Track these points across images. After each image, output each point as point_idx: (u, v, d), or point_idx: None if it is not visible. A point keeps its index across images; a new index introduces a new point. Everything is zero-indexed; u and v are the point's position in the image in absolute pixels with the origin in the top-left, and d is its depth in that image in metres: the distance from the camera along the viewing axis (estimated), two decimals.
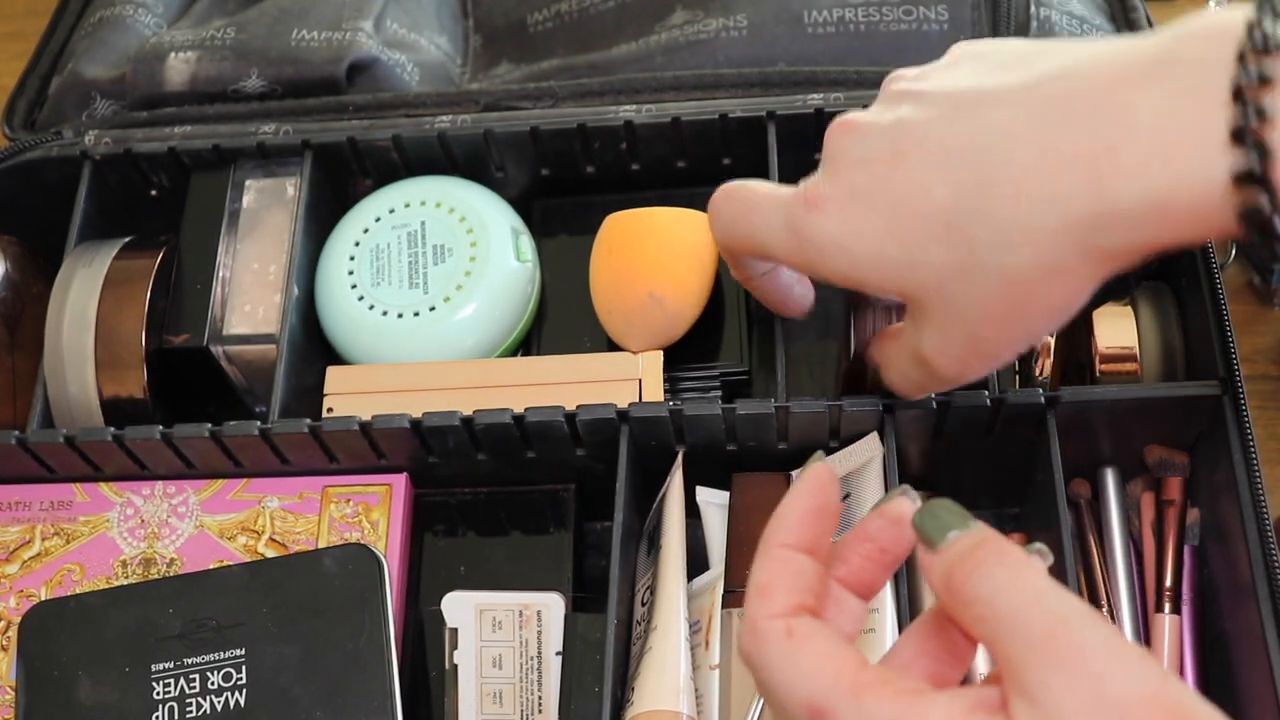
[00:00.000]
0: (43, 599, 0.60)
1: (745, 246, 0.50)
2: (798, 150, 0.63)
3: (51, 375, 0.62)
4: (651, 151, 0.68)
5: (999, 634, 0.29)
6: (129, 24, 0.76)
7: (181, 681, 0.55)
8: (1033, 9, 0.68)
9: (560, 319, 0.68)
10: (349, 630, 0.56)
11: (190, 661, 0.56)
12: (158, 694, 0.55)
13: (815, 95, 0.65)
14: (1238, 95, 0.31)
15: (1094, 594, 0.59)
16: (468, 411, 0.58)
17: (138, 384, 0.62)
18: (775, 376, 0.58)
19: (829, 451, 0.57)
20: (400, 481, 0.62)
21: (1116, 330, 0.60)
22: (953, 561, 0.31)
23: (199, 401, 0.65)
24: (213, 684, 0.55)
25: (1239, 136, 0.31)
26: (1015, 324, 0.40)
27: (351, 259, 0.66)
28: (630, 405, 0.58)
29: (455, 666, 0.59)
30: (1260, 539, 0.53)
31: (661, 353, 0.62)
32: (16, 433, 0.60)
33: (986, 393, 0.56)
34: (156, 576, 0.60)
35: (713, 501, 0.61)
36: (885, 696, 0.29)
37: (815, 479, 0.36)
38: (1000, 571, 0.30)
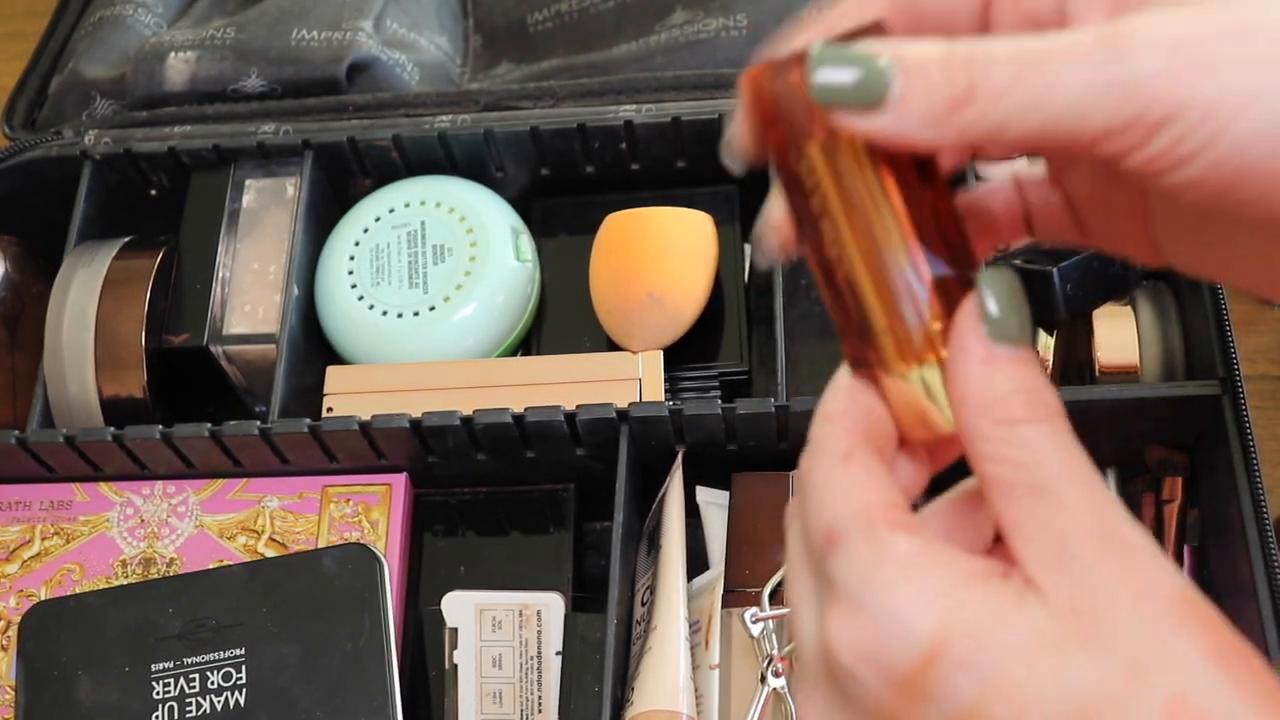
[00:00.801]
0: (42, 599, 0.60)
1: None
2: None
3: (51, 375, 0.62)
4: (651, 151, 0.68)
5: (1037, 503, 0.26)
6: (129, 24, 0.76)
7: (181, 681, 0.55)
8: None
9: (560, 319, 0.68)
10: (349, 630, 0.56)
11: (190, 661, 0.56)
12: (157, 694, 0.55)
13: None
14: None
15: None
16: (467, 411, 0.58)
17: (137, 384, 0.62)
18: (775, 376, 0.58)
19: None
20: (400, 481, 0.62)
21: (1116, 330, 0.60)
22: (993, 400, 0.27)
23: (199, 401, 0.65)
24: (212, 683, 0.55)
25: None
26: None
27: (351, 259, 0.66)
28: (630, 405, 0.58)
29: (455, 666, 0.59)
30: (1260, 539, 0.53)
31: (661, 353, 0.62)
32: (16, 432, 0.60)
33: None
34: (156, 576, 0.60)
35: (713, 501, 0.61)
36: (899, 543, 0.27)
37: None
38: (1050, 435, 0.27)
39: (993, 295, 0.27)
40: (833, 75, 0.27)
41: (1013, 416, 0.27)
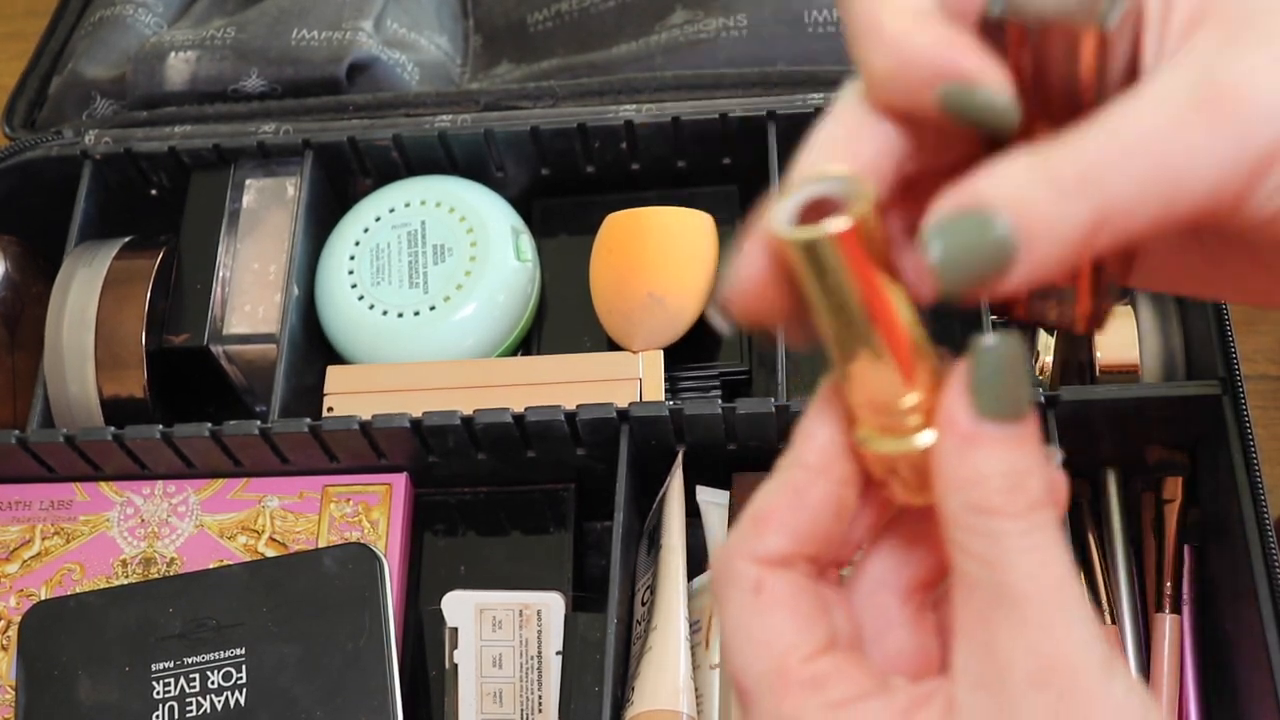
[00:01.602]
0: (43, 598, 0.60)
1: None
2: (798, 151, 0.63)
3: (52, 375, 0.62)
4: (651, 151, 0.68)
5: (991, 611, 0.24)
6: (129, 24, 0.76)
7: (181, 681, 0.55)
8: None
9: (560, 319, 0.68)
10: (349, 630, 0.56)
11: (190, 661, 0.56)
12: (158, 693, 0.55)
13: (816, 95, 0.65)
14: None
15: (1094, 594, 0.59)
16: (468, 411, 0.58)
17: (138, 383, 0.62)
18: (775, 376, 0.58)
19: None
20: (400, 481, 0.62)
21: (1117, 330, 0.60)
22: (970, 482, 0.25)
23: (199, 401, 0.65)
24: (213, 683, 0.55)
25: None
26: None
27: (352, 258, 0.66)
28: (630, 405, 0.58)
29: (455, 666, 0.59)
30: (1261, 538, 0.53)
31: (661, 352, 0.62)
32: (17, 432, 0.60)
33: None
34: (156, 576, 0.60)
35: (713, 501, 0.61)
36: (809, 707, 0.25)
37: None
38: (1023, 534, 0.24)
39: (986, 366, 0.25)
40: (950, 252, 0.24)
41: (988, 505, 0.24)
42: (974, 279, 0.24)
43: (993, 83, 0.25)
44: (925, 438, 0.26)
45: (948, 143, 0.27)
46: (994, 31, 0.25)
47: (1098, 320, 0.27)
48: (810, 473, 0.27)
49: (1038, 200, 0.23)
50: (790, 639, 0.26)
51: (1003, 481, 0.24)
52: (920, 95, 0.25)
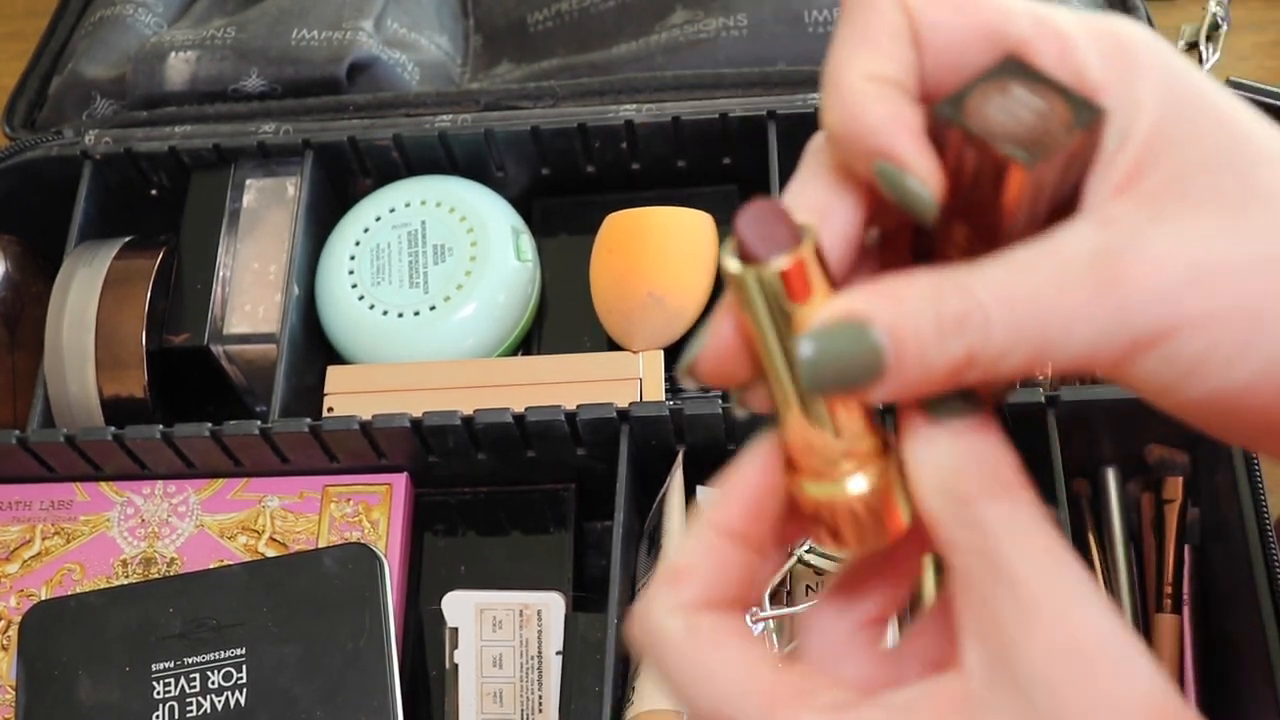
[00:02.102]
0: (43, 598, 0.60)
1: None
2: (798, 150, 0.63)
3: (52, 375, 0.62)
4: (652, 151, 0.68)
5: (991, 596, 0.24)
6: (129, 24, 0.76)
7: (182, 681, 0.55)
8: None
9: (560, 319, 0.68)
10: (349, 629, 0.56)
11: (190, 661, 0.56)
12: (158, 693, 0.55)
13: (816, 95, 0.65)
14: None
15: None
16: (468, 411, 0.58)
17: (138, 383, 0.62)
18: None
19: None
20: (400, 481, 0.62)
21: None
22: (946, 476, 0.25)
23: (199, 401, 0.65)
24: (213, 683, 0.55)
25: None
26: None
27: (352, 258, 0.66)
28: (631, 405, 0.58)
29: (455, 666, 0.59)
30: (1261, 539, 0.53)
31: (662, 352, 0.63)
32: (17, 432, 0.60)
33: None
34: (156, 576, 0.60)
35: None
36: (803, 712, 0.25)
37: (769, 452, 0.27)
38: (1007, 517, 0.24)
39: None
40: (821, 355, 0.24)
41: (967, 493, 0.25)
42: (840, 386, 0.25)
43: (920, 174, 0.25)
44: (856, 484, 0.26)
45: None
46: (944, 124, 0.25)
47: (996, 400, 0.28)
48: (727, 538, 0.27)
49: (918, 331, 0.24)
50: (750, 660, 0.26)
51: (978, 470, 0.25)
52: (860, 163, 0.26)
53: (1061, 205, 0.26)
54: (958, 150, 0.25)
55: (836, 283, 0.26)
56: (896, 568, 0.29)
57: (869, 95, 0.26)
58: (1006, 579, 0.24)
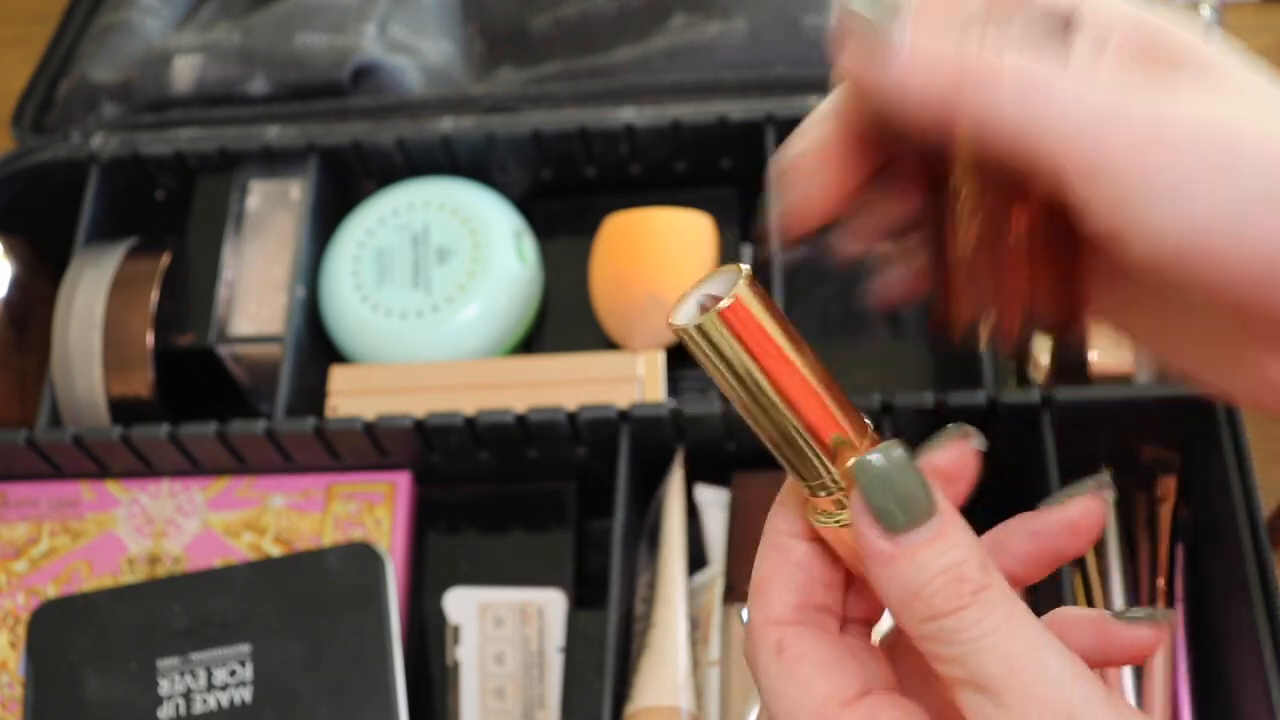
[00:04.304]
0: (51, 596, 0.60)
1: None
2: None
3: (59, 375, 0.63)
4: (652, 154, 0.69)
5: (981, 701, 0.25)
6: (135, 28, 0.76)
7: (188, 677, 0.56)
8: None
9: (561, 319, 0.69)
10: (353, 627, 0.56)
11: (196, 658, 0.56)
12: (164, 690, 0.56)
13: (814, 98, 0.66)
14: None
15: (1088, 592, 0.59)
16: (470, 411, 0.59)
17: (144, 384, 0.62)
18: None
19: None
20: (403, 480, 0.62)
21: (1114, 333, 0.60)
22: (912, 595, 0.26)
23: (205, 401, 0.66)
24: (218, 680, 0.56)
25: None
26: None
27: (355, 260, 0.67)
28: (631, 405, 0.59)
29: (458, 663, 0.60)
30: (1253, 537, 0.53)
31: (661, 352, 0.63)
32: (25, 432, 0.61)
33: (983, 392, 0.57)
34: (162, 574, 0.61)
35: (712, 500, 0.61)
36: None
37: None
38: (978, 621, 0.25)
39: (875, 484, 0.26)
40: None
41: (936, 610, 0.25)
42: (868, 34, 0.26)
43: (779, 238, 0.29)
44: (846, 514, 0.27)
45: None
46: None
47: (1022, 345, 0.29)
48: (787, 536, 0.29)
49: (943, 43, 0.26)
50: (823, 689, 0.27)
51: (941, 581, 0.25)
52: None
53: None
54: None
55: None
56: None
57: (805, 151, 0.30)
58: (989, 690, 0.25)
